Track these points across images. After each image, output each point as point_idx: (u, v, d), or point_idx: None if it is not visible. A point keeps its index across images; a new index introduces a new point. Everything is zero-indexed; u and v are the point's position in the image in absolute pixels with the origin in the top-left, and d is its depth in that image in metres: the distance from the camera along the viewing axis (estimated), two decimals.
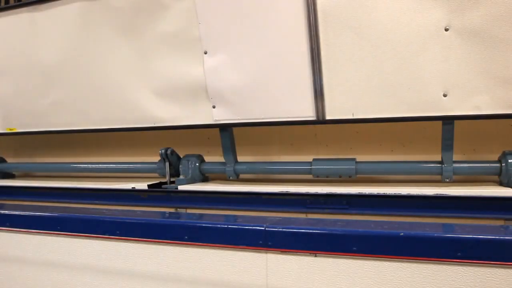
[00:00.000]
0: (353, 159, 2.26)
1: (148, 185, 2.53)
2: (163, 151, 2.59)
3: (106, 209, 1.59)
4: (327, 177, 2.31)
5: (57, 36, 2.67)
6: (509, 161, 1.99)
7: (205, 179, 2.67)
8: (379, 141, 2.47)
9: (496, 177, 2.10)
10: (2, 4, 2.80)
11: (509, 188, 1.97)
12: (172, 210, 2.43)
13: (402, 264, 1.10)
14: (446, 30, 1.89)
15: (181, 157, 2.65)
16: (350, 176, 2.25)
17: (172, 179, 2.61)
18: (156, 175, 2.78)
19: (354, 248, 1.14)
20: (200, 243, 1.30)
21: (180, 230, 1.33)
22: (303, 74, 2.14)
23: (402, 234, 1.10)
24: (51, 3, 2.62)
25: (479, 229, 1.10)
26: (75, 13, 2.57)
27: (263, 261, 1.23)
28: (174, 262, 1.34)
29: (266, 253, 1.23)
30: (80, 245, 1.48)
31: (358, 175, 2.26)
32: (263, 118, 2.29)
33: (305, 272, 1.19)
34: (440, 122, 2.08)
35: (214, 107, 2.38)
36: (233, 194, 2.32)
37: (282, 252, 1.21)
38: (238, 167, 2.51)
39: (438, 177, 2.14)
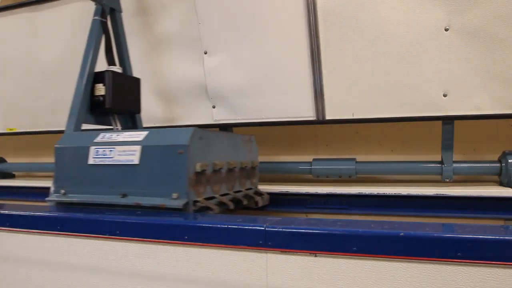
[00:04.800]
0: (353, 159, 2.26)
1: None
2: None
3: (106, 209, 1.59)
4: (327, 177, 2.31)
5: (57, 36, 2.68)
6: (509, 161, 1.99)
7: None
8: (379, 141, 2.48)
9: (496, 177, 2.11)
10: None
11: (509, 188, 1.97)
12: None
13: (402, 264, 1.10)
14: (446, 30, 1.89)
15: None
16: (350, 176, 2.25)
17: None
18: None
19: (354, 248, 1.13)
20: (200, 243, 1.30)
21: (180, 230, 1.33)
22: (303, 74, 2.14)
23: (402, 234, 1.10)
24: (51, 3, 2.63)
25: (479, 229, 1.10)
26: (75, 13, 2.57)
27: (263, 261, 1.23)
28: (174, 262, 1.33)
29: (266, 253, 1.22)
30: (80, 245, 1.48)
31: (358, 175, 2.26)
32: (263, 118, 2.29)
33: (305, 272, 1.19)
34: (440, 122, 2.08)
35: (214, 107, 2.38)
36: None
37: (282, 252, 1.21)
38: None
39: (438, 177, 2.14)
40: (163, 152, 1.52)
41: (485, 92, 1.90)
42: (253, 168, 2.04)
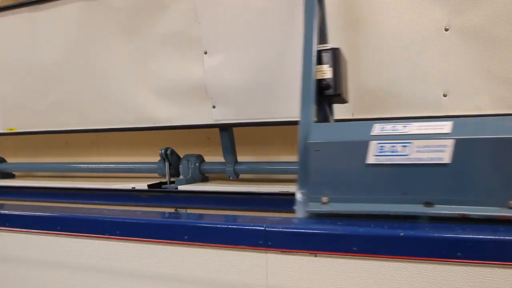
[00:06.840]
0: None
1: (148, 185, 2.53)
2: (163, 151, 2.60)
3: (106, 209, 1.59)
4: None
5: (57, 36, 2.68)
6: None
7: (205, 179, 2.68)
8: None
9: None
10: None
11: None
12: (172, 210, 2.43)
13: (402, 264, 1.10)
14: (446, 30, 1.89)
15: (181, 157, 2.65)
16: None
17: (172, 179, 2.61)
18: (156, 175, 2.78)
19: (354, 248, 1.13)
20: (200, 243, 1.30)
21: (180, 230, 1.33)
22: None
23: (402, 234, 1.10)
24: (51, 3, 2.63)
25: (479, 229, 1.10)
26: (75, 13, 2.57)
27: (263, 261, 1.23)
28: (174, 262, 1.34)
29: (266, 253, 1.23)
30: (80, 245, 1.48)
31: None
32: (263, 118, 2.29)
33: (305, 272, 1.19)
34: None
35: (214, 107, 2.38)
36: (233, 194, 2.32)
37: (282, 252, 1.21)
38: (238, 167, 2.51)
39: None
40: (491, 147, 1.15)
41: (485, 92, 1.90)
42: None
